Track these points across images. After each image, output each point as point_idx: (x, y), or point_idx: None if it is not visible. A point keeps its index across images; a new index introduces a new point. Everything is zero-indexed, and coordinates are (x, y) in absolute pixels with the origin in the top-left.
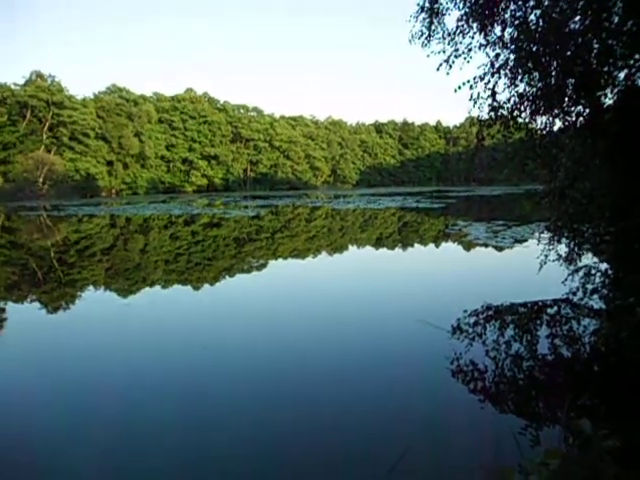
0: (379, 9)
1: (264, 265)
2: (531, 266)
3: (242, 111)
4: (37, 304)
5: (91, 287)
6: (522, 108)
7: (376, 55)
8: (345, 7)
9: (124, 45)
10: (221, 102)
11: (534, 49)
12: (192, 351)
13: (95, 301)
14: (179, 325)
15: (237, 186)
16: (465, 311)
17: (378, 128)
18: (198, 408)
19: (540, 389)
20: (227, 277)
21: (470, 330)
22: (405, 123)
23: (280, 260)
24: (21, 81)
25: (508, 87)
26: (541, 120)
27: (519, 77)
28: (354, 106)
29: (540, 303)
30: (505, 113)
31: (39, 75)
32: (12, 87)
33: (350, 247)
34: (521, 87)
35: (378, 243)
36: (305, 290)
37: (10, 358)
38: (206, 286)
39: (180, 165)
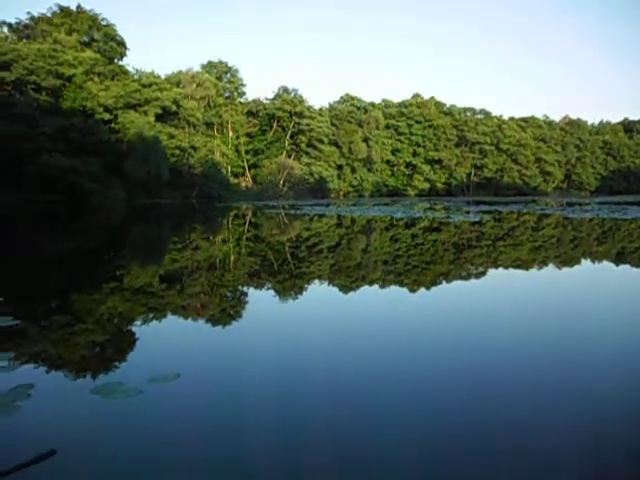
0: None
1: (483, 273)
2: None
3: (469, 114)
4: (272, 292)
5: (316, 281)
6: None
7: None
8: None
9: (354, 56)
10: (447, 106)
11: None
12: (404, 354)
13: (319, 294)
14: (389, 326)
15: (459, 191)
16: None
17: (627, 126)
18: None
19: None
20: (444, 282)
21: None
22: None
23: (501, 269)
24: (271, 95)
25: None
26: None
27: None
28: (595, 104)
29: None
30: None
31: (285, 89)
32: (264, 101)
33: (583, 261)
34: None
35: (620, 259)
36: (534, 304)
37: (246, 333)
38: (422, 289)
39: (404, 169)
